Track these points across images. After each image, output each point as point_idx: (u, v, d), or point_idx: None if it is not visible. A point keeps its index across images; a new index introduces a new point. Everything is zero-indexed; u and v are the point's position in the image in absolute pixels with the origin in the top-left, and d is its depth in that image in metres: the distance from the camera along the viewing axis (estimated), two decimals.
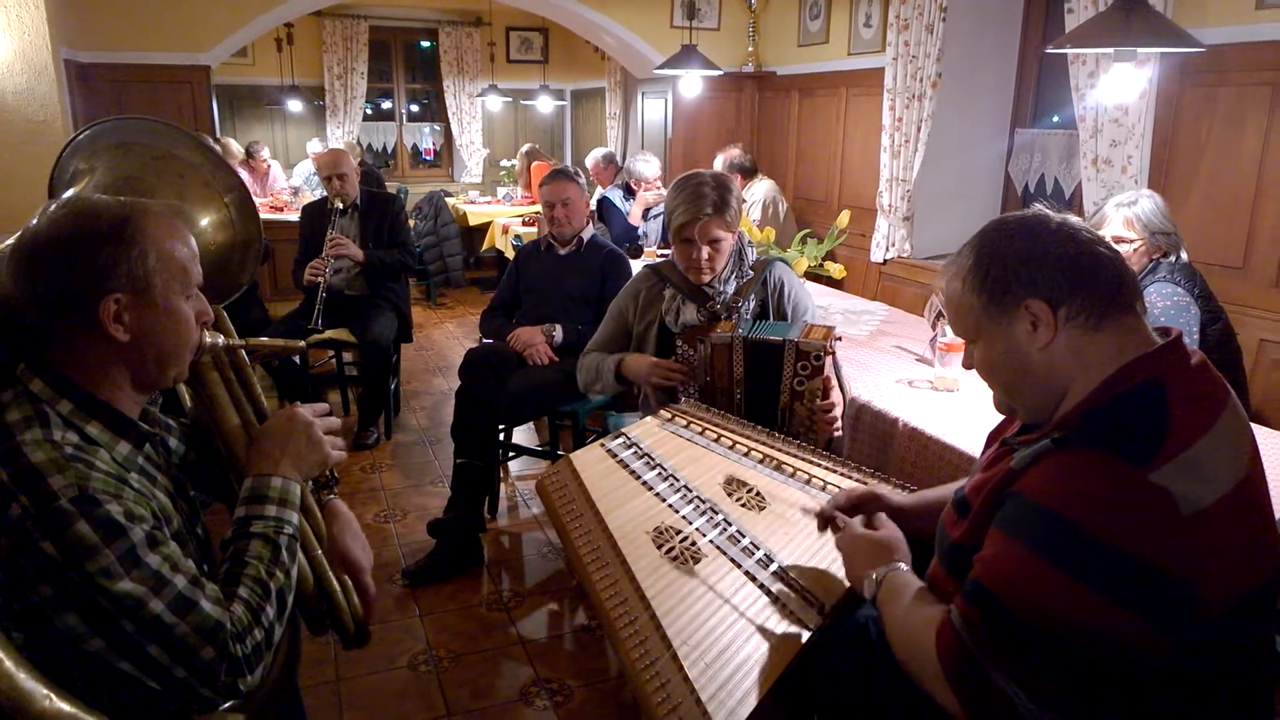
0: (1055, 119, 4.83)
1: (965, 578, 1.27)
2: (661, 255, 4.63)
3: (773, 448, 2.07)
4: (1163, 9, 3.41)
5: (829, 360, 2.35)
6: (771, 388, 2.37)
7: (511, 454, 4.18)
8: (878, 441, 2.68)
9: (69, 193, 1.61)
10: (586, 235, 3.83)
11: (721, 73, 5.64)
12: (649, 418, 2.18)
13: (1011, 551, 1.21)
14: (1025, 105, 5.03)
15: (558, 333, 3.63)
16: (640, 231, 5.58)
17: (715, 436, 2.09)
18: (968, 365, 1.44)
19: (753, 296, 2.68)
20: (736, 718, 1.33)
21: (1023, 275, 1.28)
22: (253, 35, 6.74)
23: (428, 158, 10.68)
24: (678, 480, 1.88)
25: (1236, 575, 1.17)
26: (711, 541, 1.71)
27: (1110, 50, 2.70)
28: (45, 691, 1.08)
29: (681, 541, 1.69)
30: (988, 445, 1.60)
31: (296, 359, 4.41)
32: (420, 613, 3.06)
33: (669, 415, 2.18)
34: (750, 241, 2.89)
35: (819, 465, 2.03)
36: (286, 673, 1.53)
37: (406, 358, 5.80)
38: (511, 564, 3.47)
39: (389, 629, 2.94)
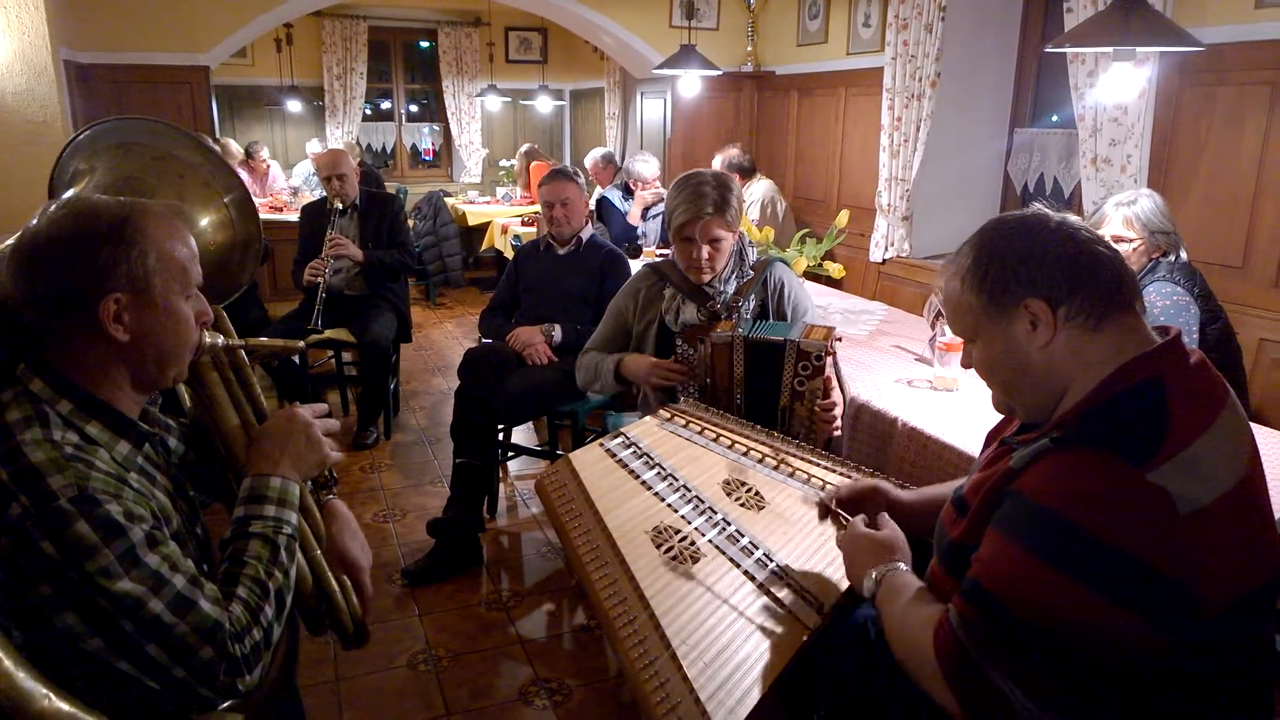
0: (1054, 118, 4.83)
1: (964, 577, 1.27)
2: (661, 255, 4.63)
3: (772, 447, 2.08)
4: (1162, 8, 3.41)
5: (830, 360, 2.35)
6: (772, 388, 2.37)
7: (511, 454, 4.18)
8: (877, 441, 2.68)
9: (69, 193, 1.61)
10: (585, 235, 3.83)
11: (720, 73, 5.64)
12: (648, 417, 2.18)
13: (1009, 551, 1.21)
14: (1024, 104, 5.03)
15: (557, 332, 3.64)
16: (639, 231, 5.58)
17: (714, 436, 2.09)
18: (966, 365, 1.44)
19: (753, 296, 2.68)
20: (735, 717, 1.33)
21: (1022, 275, 1.28)
22: (252, 35, 6.74)
23: (427, 158, 10.68)
24: (677, 480, 1.88)
25: (1236, 575, 1.17)
26: (710, 541, 1.71)
27: (1109, 49, 2.70)
28: (44, 691, 1.08)
29: (680, 541, 1.69)
30: (987, 444, 1.60)
31: (296, 359, 4.41)
32: (419, 612, 3.06)
33: (668, 415, 2.18)
34: (751, 242, 2.89)
35: (818, 465, 2.04)
36: (285, 672, 1.53)
37: (406, 358, 5.80)
38: (511, 564, 3.47)
39: (388, 629, 2.94)
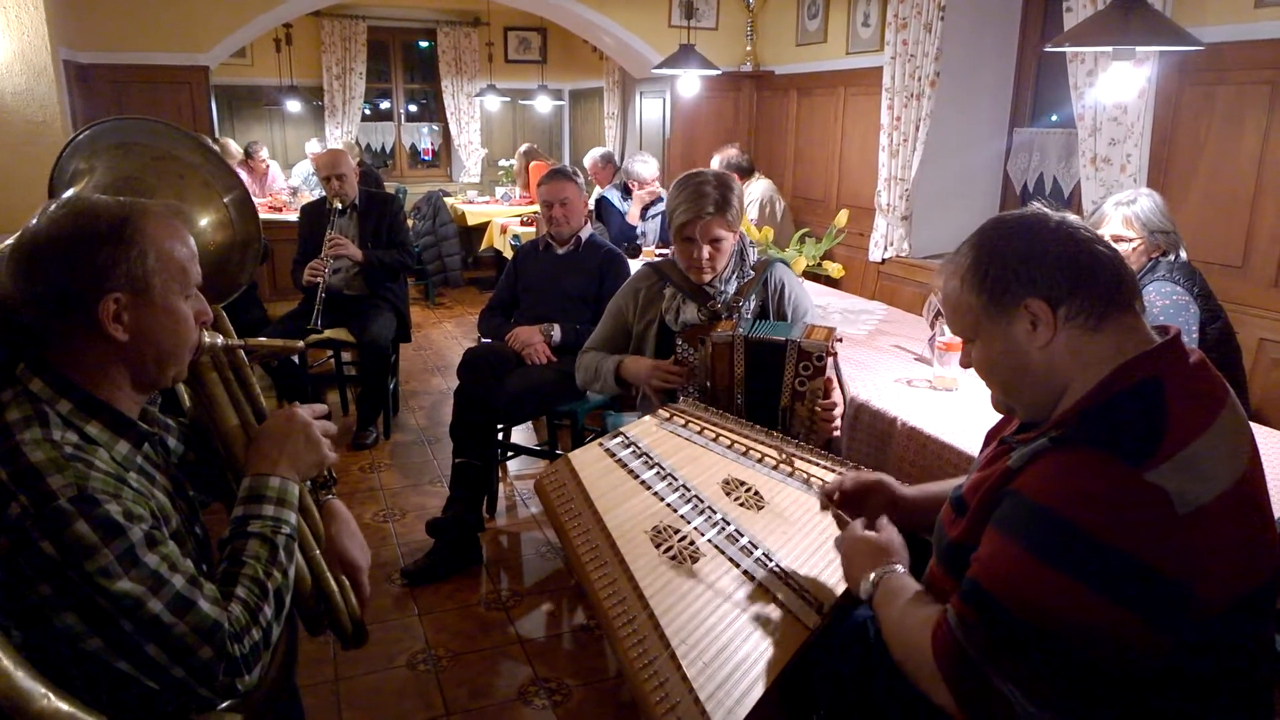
0: (1054, 118, 4.83)
1: (963, 577, 1.27)
2: (660, 255, 4.63)
3: (771, 447, 2.08)
4: (1161, 7, 3.41)
5: (831, 361, 2.35)
6: (772, 388, 2.37)
7: (510, 453, 4.18)
8: (876, 441, 2.68)
9: (68, 193, 1.61)
10: (585, 235, 3.83)
11: (719, 72, 5.64)
12: (647, 417, 2.18)
13: (1008, 551, 1.20)
14: (1024, 104, 5.03)
15: (556, 332, 3.63)
16: (638, 231, 5.58)
17: (714, 436, 2.09)
18: (965, 364, 1.44)
19: (753, 296, 2.68)
20: (735, 717, 1.33)
21: (1022, 274, 1.28)
22: (251, 36, 6.75)
23: (426, 158, 10.68)
24: (676, 479, 1.88)
25: (1235, 574, 1.17)
26: (710, 540, 1.71)
27: (1109, 49, 2.70)
28: (44, 691, 1.08)
29: (680, 541, 1.69)
30: (986, 444, 1.60)
31: (295, 359, 4.41)
32: (419, 612, 3.06)
33: (667, 414, 2.18)
34: (752, 242, 2.89)
35: (818, 464, 2.04)
36: (284, 672, 1.53)
37: (405, 357, 5.80)
38: (510, 563, 3.47)
39: (387, 628, 2.94)
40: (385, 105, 10.39)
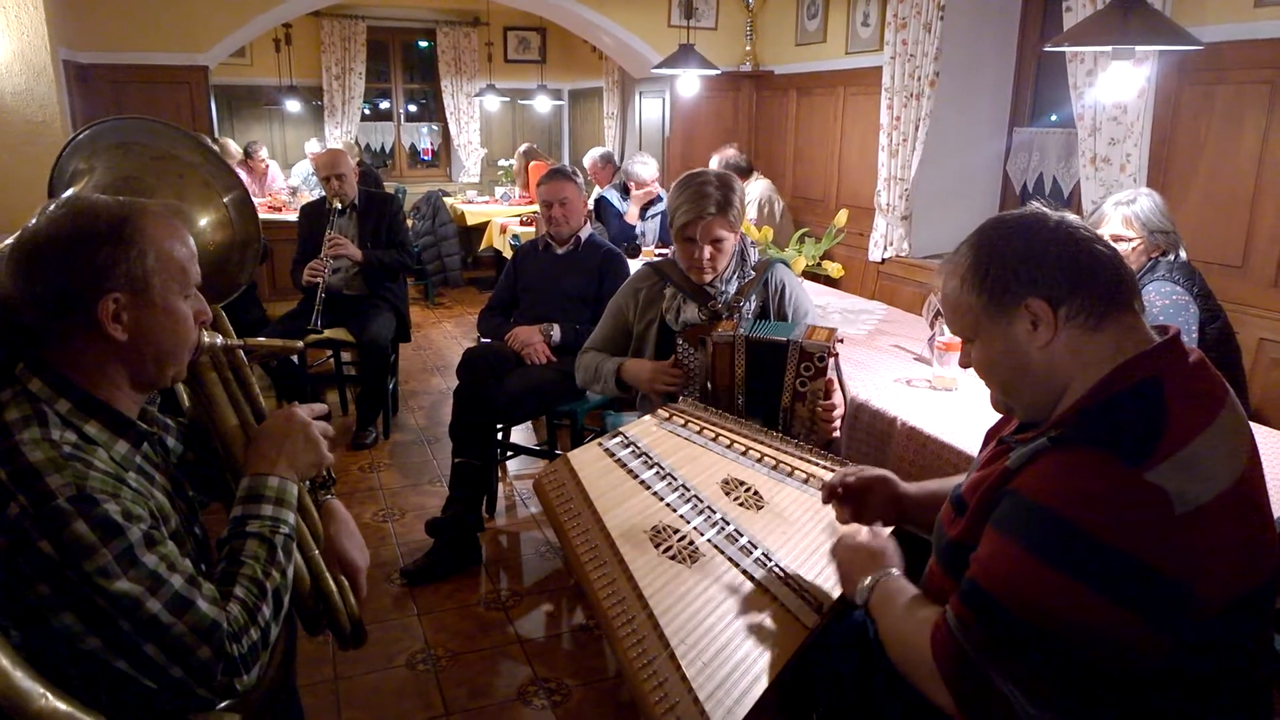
0: (1053, 117, 4.83)
1: (962, 576, 1.27)
2: (660, 254, 4.63)
3: (771, 447, 2.08)
4: (1161, 7, 3.41)
5: (832, 362, 2.34)
6: (773, 388, 2.36)
7: (509, 453, 4.18)
8: (876, 440, 2.68)
9: (68, 192, 1.61)
10: (584, 235, 3.83)
11: (719, 72, 5.64)
12: (647, 417, 2.18)
13: (1007, 551, 1.20)
14: (1023, 104, 5.03)
15: (556, 332, 3.63)
16: (637, 231, 5.58)
17: (713, 435, 2.09)
18: (965, 364, 1.44)
19: (754, 297, 2.68)
20: (734, 717, 1.33)
21: (1022, 274, 1.28)
22: (251, 35, 6.75)
23: (425, 158, 10.68)
24: (675, 479, 1.88)
25: (1234, 574, 1.17)
26: (709, 540, 1.71)
27: (1108, 48, 2.70)
28: (42, 690, 1.08)
29: (679, 540, 1.69)
30: (985, 443, 1.60)
31: (295, 359, 4.41)
32: (418, 612, 3.06)
33: (667, 414, 2.18)
34: (753, 242, 2.89)
35: (817, 464, 2.03)
36: (283, 672, 1.53)
37: (404, 357, 5.80)
38: (509, 563, 3.47)
39: (387, 628, 2.94)
40: (385, 105, 10.39)
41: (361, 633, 1.58)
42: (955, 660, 1.21)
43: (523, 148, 8.54)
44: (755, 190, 5.66)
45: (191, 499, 1.51)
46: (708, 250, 2.56)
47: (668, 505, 1.79)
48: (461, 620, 3.01)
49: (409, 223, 6.84)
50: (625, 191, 5.69)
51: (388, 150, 10.42)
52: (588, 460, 1.91)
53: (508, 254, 6.31)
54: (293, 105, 8.99)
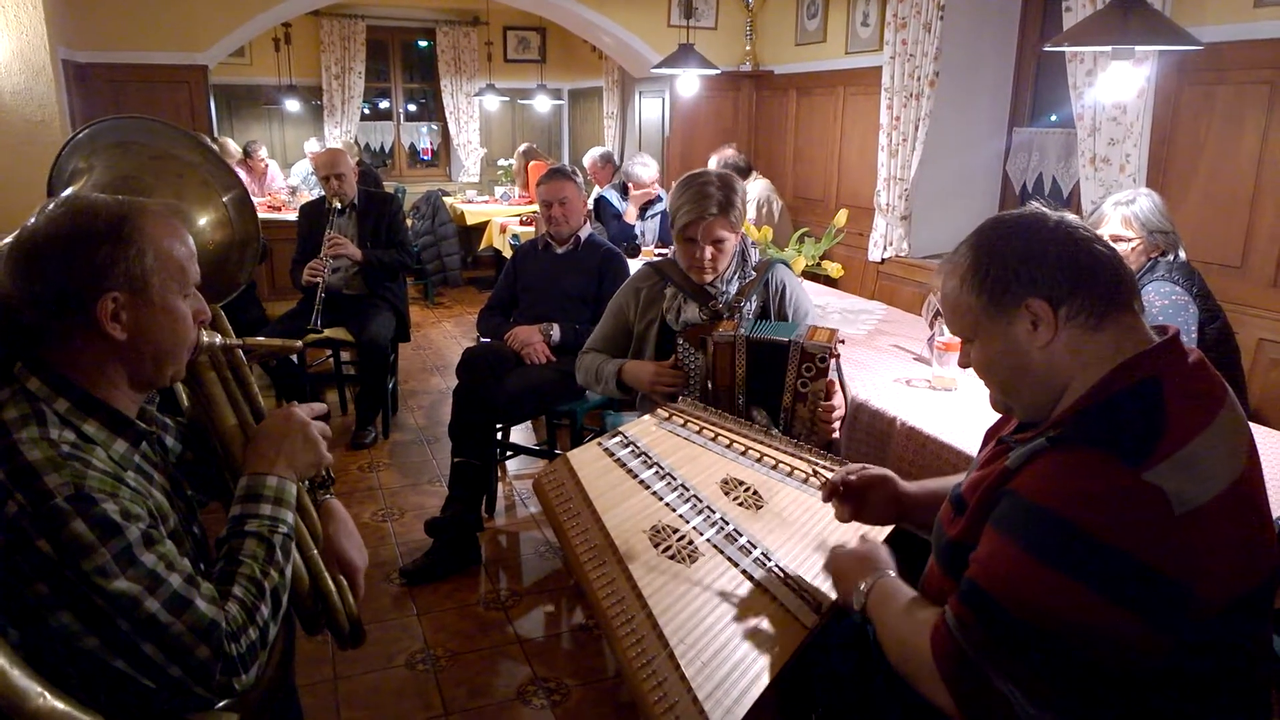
0: (1053, 117, 4.83)
1: (961, 576, 1.27)
2: (659, 254, 4.62)
3: (770, 446, 2.07)
4: (1161, 7, 3.41)
5: (833, 363, 2.34)
6: (774, 388, 2.36)
7: (509, 453, 4.18)
8: (875, 440, 2.68)
9: (67, 191, 1.61)
10: (584, 234, 3.83)
11: (719, 72, 5.64)
12: (646, 416, 2.18)
13: (1006, 551, 1.20)
14: (1023, 104, 5.03)
15: (555, 332, 3.63)
16: (637, 230, 5.58)
17: (713, 435, 2.09)
18: (964, 364, 1.43)
19: (754, 297, 2.68)
20: (733, 716, 1.33)
21: (1022, 274, 1.28)
22: (250, 35, 6.75)
23: (425, 157, 10.68)
24: (675, 479, 1.88)
25: (1233, 574, 1.17)
26: (709, 540, 1.71)
27: (1108, 48, 2.70)
28: (40, 690, 1.08)
29: (678, 540, 1.69)
30: (985, 443, 1.59)
31: (294, 358, 4.41)
32: (418, 612, 3.06)
33: (666, 414, 2.18)
34: (754, 242, 2.89)
35: (817, 464, 2.03)
36: (282, 671, 1.53)
37: (404, 357, 5.79)
38: (509, 563, 3.47)
39: (386, 628, 2.94)
40: (384, 105, 10.39)
41: (360, 632, 1.58)
42: (955, 660, 1.21)
43: (522, 147, 8.54)
44: (754, 190, 5.66)
45: (190, 498, 1.51)
46: (709, 250, 2.56)
47: (667, 505, 1.79)
48: (461, 620, 3.01)
49: (408, 222, 6.84)
50: (625, 191, 5.69)
51: (387, 150, 10.41)
52: (587, 460, 1.91)
53: (507, 254, 6.31)
54: (292, 105, 8.99)
